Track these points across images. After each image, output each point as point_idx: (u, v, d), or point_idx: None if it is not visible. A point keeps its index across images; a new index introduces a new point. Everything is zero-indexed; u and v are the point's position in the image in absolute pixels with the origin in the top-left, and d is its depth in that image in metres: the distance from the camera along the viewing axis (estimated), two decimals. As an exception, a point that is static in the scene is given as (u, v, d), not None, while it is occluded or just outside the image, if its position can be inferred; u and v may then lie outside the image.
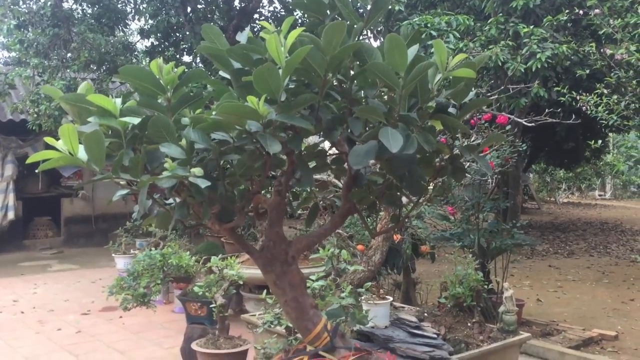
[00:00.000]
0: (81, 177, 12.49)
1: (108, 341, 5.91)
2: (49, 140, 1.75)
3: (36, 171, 1.77)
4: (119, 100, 1.94)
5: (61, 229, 12.41)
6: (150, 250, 5.44)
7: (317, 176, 5.38)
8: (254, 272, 5.74)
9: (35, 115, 9.31)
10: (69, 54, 10.19)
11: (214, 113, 1.81)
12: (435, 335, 3.80)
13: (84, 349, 5.68)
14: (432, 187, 2.51)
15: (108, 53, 10.08)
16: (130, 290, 4.92)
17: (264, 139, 1.74)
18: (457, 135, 2.24)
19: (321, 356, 2.12)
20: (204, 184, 1.74)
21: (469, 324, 4.24)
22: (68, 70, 9.94)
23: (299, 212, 6.81)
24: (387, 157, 2.03)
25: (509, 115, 4.44)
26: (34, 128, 9.37)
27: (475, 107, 2.23)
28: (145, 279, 4.93)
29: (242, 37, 2.05)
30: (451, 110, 2.15)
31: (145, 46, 11.89)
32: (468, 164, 5.01)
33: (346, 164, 2.29)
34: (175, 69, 1.98)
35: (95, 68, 10.29)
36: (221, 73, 2.19)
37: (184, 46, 11.26)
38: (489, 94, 4.01)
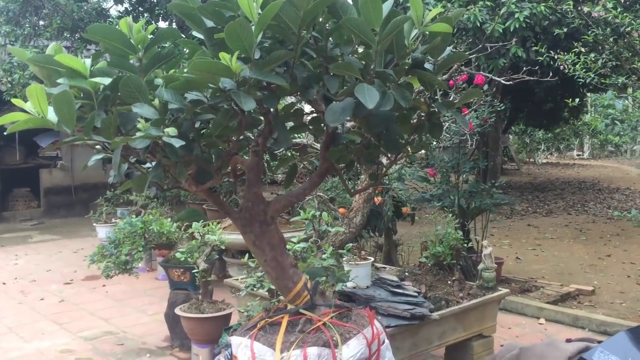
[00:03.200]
0: (59, 147, 12.33)
1: (92, 309, 5.93)
2: (16, 102, 1.72)
3: (5, 133, 1.73)
4: (88, 61, 1.89)
5: (41, 200, 12.29)
6: (132, 218, 5.41)
7: (296, 140, 5.36)
8: (235, 237, 5.75)
9: (9, 85, 9.11)
10: (40, 21, 9.94)
11: (186, 71, 1.78)
12: (416, 294, 3.85)
13: (67, 317, 5.69)
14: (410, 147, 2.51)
15: (81, 20, 9.84)
16: (112, 258, 4.90)
17: (238, 96, 1.72)
18: (434, 93, 2.23)
19: (302, 314, 2.14)
20: (178, 143, 1.71)
21: (449, 282, 4.30)
22: (40, 38, 9.70)
23: (280, 177, 6.78)
24: (364, 115, 2.02)
25: (486, 75, 4.44)
26: (8, 99, 9.17)
27: (452, 62, 2.22)
28: (127, 247, 4.91)
29: (214, -7, 2.00)
30: (428, 66, 2.14)
31: (119, 12, 11.63)
32: (447, 124, 5.02)
33: (323, 123, 2.28)
34: (146, 27, 1.93)
35: (68, 35, 10.06)
36: (194, 33, 2.14)
37: (158, 11, 11.02)
38: (467, 54, 3.99)
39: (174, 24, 11.24)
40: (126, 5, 11.47)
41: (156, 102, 1.80)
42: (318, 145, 4.50)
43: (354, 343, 2.03)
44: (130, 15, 10.86)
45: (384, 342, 2.14)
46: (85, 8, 10.24)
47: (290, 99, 2.57)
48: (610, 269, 6.96)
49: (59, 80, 1.83)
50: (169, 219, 5.47)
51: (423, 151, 7.94)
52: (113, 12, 11.91)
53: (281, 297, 3.51)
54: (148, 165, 2.23)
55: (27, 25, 9.66)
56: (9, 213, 11.92)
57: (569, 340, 1.73)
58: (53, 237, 10.11)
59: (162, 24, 11.69)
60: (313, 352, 1.98)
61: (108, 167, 12.02)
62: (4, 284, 7.00)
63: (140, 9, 11.35)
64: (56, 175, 12.26)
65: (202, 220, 5.29)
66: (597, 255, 7.65)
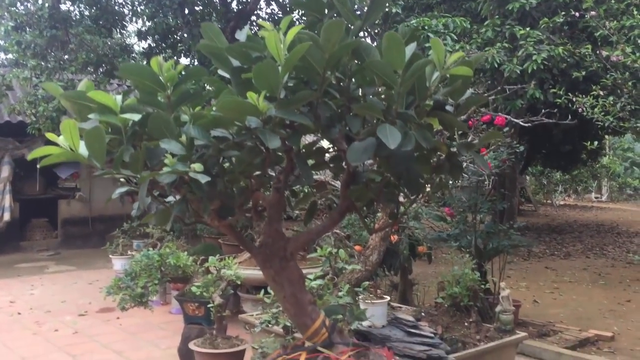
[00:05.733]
0: (78, 177, 12.49)
1: (105, 342, 5.92)
2: (50, 136, 1.77)
3: (38, 166, 1.77)
4: (119, 97, 1.95)
5: (58, 231, 12.40)
6: (148, 250, 5.45)
7: (316, 177, 5.40)
8: (251, 272, 5.76)
9: (34, 118, 9.30)
10: (66, 56, 10.18)
11: (214, 109, 1.82)
12: (432, 335, 3.82)
13: (81, 349, 5.68)
14: (429, 186, 2.53)
15: (106, 55, 10.08)
16: (128, 290, 4.93)
17: (264, 134, 1.76)
18: (454, 134, 2.26)
19: (319, 352, 2.13)
20: (204, 179, 1.75)
21: (465, 324, 4.26)
22: (65, 72, 9.93)
23: (296, 213, 6.82)
24: (385, 155, 2.05)
25: (505, 116, 4.47)
26: (33, 132, 9.35)
27: (472, 105, 2.25)
28: (143, 279, 4.94)
29: (242, 35, 2.06)
30: (448, 108, 2.17)
31: (143, 48, 11.91)
32: (465, 164, 5.04)
33: (344, 162, 2.31)
34: (175, 67, 1.99)
35: (92, 70, 10.29)
36: (220, 72, 2.20)
37: (181, 48, 11.26)
38: (485, 95, 4.03)
39: (195, 60, 11.48)
40: (149, 41, 11.74)
41: (183, 138, 1.85)
42: (335, 183, 4.53)
43: (371, 383, 2.02)
44: (154, 52, 11.14)
45: (401, 382, 2.13)
46: (109, 44, 10.50)
47: (310, 137, 2.61)
48: (630, 315, 6.83)
49: (90, 116, 1.89)
50: (185, 253, 5.50)
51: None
52: (137, 47, 12.20)
53: (296, 335, 3.50)
54: (170, 198, 2.27)
55: (52, 59, 9.91)
56: (26, 243, 12.03)
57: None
58: (69, 268, 10.16)
59: (184, 60, 11.94)
60: (330, 390, 1.97)
61: (126, 199, 12.13)
62: (19, 314, 7.03)
63: (163, 45, 11.61)
64: (74, 206, 12.40)
65: (218, 255, 5.31)
66: (616, 301, 7.52)
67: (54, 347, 5.75)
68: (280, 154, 2.17)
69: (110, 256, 8.27)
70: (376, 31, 8.96)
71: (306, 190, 3.05)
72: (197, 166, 1.77)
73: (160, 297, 7.33)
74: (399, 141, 1.84)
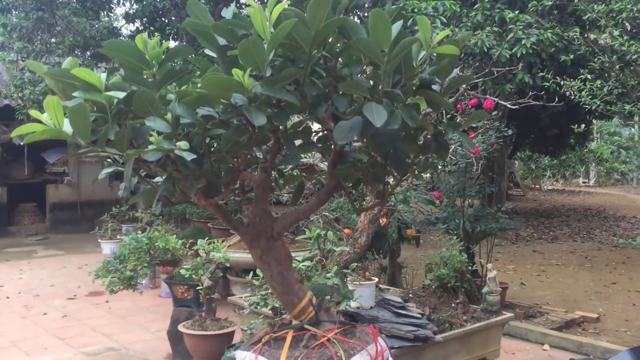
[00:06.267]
0: (66, 163, 12.41)
1: (94, 325, 5.92)
2: (33, 113, 1.75)
3: (22, 143, 1.76)
4: (104, 75, 1.94)
5: (46, 215, 12.34)
6: (137, 234, 5.44)
7: (303, 160, 5.39)
8: (240, 255, 5.77)
9: (21, 102, 9.21)
10: (53, 39, 10.08)
11: (199, 86, 1.82)
12: (419, 315, 3.85)
13: (70, 332, 5.68)
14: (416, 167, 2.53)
15: (93, 38, 9.99)
16: (117, 273, 4.92)
17: (249, 112, 1.75)
18: (441, 114, 2.26)
19: (306, 330, 2.15)
20: (189, 156, 1.75)
21: (453, 305, 4.30)
22: (52, 55, 9.83)
23: (285, 198, 6.81)
24: (371, 134, 2.06)
25: (493, 99, 4.48)
26: (22, 118, 9.26)
27: (459, 84, 2.26)
28: (132, 262, 4.93)
29: (228, 12, 2.05)
30: (435, 88, 2.18)
31: (131, 31, 11.80)
32: (453, 146, 5.05)
33: (331, 141, 2.32)
34: (161, 45, 1.98)
35: (79, 53, 10.20)
36: (206, 51, 2.19)
37: (169, 31, 11.17)
38: (474, 77, 4.04)
39: (183, 42, 11.39)
40: (137, 24, 11.63)
41: (169, 116, 1.84)
42: (324, 165, 4.53)
43: (357, 359, 2.04)
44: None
45: (387, 359, 2.15)
46: (96, 26, 10.39)
47: (298, 118, 2.61)
48: (616, 297, 6.91)
49: (75, 94, 1.87)
50: (174, 236, 5.50)
51: (429, 175, 7.97)
52: (124, 30, 12.08)
53: (285, 316, 3.51)
54: (158, 179, 2.26)
55: (38, 42, 9.80)
56: (14, 228, 11.96)
57: (572, 360, 1.74)
58: (58, 253, 10.13)
59: (173, 44, 11.85)
60: (317, 367, 1.99)
61: (115, 184, 12.10)
62: (8, 298, 7.01)
63: (151, 28, 11.51)
64: (62, 191, 12.33)
65: (207, 238, 5.31)
66: (602, 283, 7.61)
67: (43, 331, 5.74)
68: (267, 133, 2.17)
69: (99, 240, 8.25)
70: (365, 14, 8.92)
71: (294, 173, 3.05)
72: (183, 144, 1.76)
73: (150, 280, 7.34)
74: (385, 119, 1.84)
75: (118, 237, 8.05)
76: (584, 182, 24.31)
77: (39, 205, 12.39)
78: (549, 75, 6.23)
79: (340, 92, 2.09)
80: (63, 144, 11.63)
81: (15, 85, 9.32)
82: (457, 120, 4.63)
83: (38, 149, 11.86)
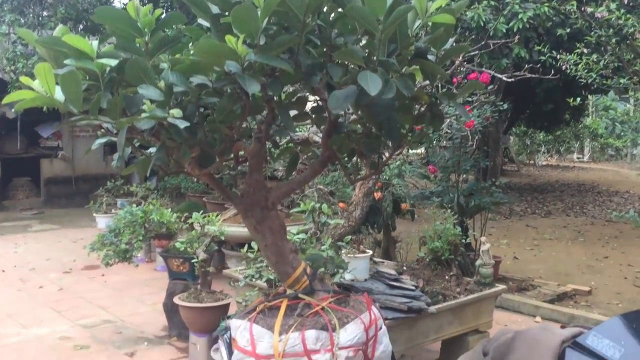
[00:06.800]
0: (60, 137, 12.34)
1: (90, 298, 5.95)
2: (24, 79, 1.73)
3: (13, 110, 1.75)
4: (95, 43, 1.92)
5: (41, 190, 12.31)
6: (132, 207, 5.44)
7: (298, 134, 5.38)
8: (235, 229, 5.79)
9: (13, 75, 9.12)
10: (45, 12, 9.95)
11: (192, 54, 1.80)
12: (413, 288, 3.87)
13: (66, 305, 5.71)
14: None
15: (85, 10, 9.86)
16: (112, 246, 4.93)
17: (243, 79, 1.74)
18: (436, 84, 2.26)
19: (300, 299, 2.16)
20: (182, 124, 1.74)
21: (446, 277, 4.32)
22: (44, 28, 9.71)
23: (281, 174, 6.80)
24: (366, 103, 2.05)
25: (489, 71, 4.46)
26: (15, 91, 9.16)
27: (454, 54, 2.25)
28: (127, 235, 4.94)
29: (221, -21, 2.02)
30: (430, 58, 2.16)
31: (123, 4, 11.64)
32: (448, 120, 5.05)
33: (326, 112, 2.31)
34: (153, 12, 1.95)
35: (72, 26, 10.06)
36: (200, 21, 2.16)
37: (163, 4, 11.04)
38: (470, 50, 4.02)
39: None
40: (130, -4, 11.49)
41: (162, 84, 1.83)
42: (319, 138, 4.52)
43: (351, 327, 2.06)
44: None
45: (381, 327, 2.17)
46: (89, -1, 10.26)
47: (293, 89, 2.59)
48: (608, 271, 6.98)
49: (66, 62, 1.85)
50: (169, 210, 5.50)
51: (423, 149, 7.96)
52: (117, 3, 11.93)
53: (280, 287, 3.53)
54: (152, 150, 2.26)
55: (31, 14, 9.67)
56: (9, 202, 11.94)
57: (563, 327, 1.77)
58: (53, 227, 10.13)
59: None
60: (311, 335, 2.01)
61: (109, 158, 12.06)
62: (3, 271, 7.02)
63: (145, 0, 11.37)
64: (57, 165, 12.28)
65: (201, 212, 5.32)
66: (594, 257, 7.67)
67: (39, 304, 5.77)
68: (261, 103, 2.16)
69: (94, 214, 8.25)
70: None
71: (287, 145, 3.04)
72: (176, 112, 1.75)
73: (145, 255, 7.36)
74: (380, 88, 1.83)
75: (113, 211, 8.04)
76: (578, 158, 24.37)
77: (33, 180, 12.35)
78: (545, 49, 6.20)
79: (335, 62, 2.08)
80: (57, 118, 11.56)
81: (7, 59, 9.21)
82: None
83: (31, 124, 11.78)
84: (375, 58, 1.99)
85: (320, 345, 2.00)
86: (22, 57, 9.03)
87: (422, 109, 2.28)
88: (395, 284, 3.89)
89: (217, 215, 5.02)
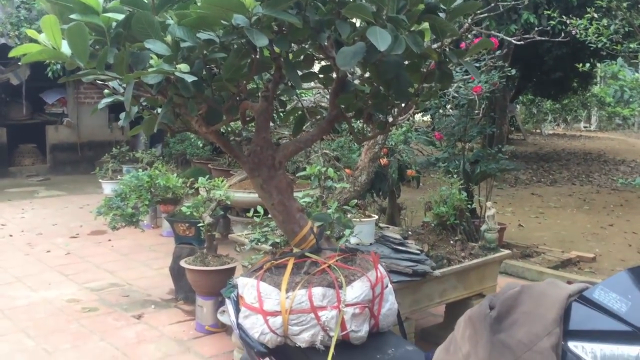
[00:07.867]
0: (65, 104, 12.32)
1: (97, 262, 6.01)
2: (30, 32, 1.72)
3: (20, 63, 1.73)
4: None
5: (47, 156, 12.33)
6: (138, 172, 5.45)
7: (305, 98, 5.35)
8: (241, 195, 5.81)
9: (17, 41, 9.06)
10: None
11: (199, 6, 1.77)
12: (418, 252, 3.89)
13: (73, 269, 5.78)
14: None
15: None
16: (118, 210, 4.96)
17: (251, 32, 1.71)
18: (445, 42, 2.22)
19: (307, 257, 2.17)
20: (190, 78, 1.72)
21: (451, 242, 4.34)
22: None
23: (285, 140, 6.77)
24: (375, 61, 2.02)
25: (498, 34, 4.40)
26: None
27: (465, 11, 2.20)
28: (133, 199, 4.96)
29: None
30: (440, 15, 2.13)
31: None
32: (456, 85, 5.00)
33: (334, 71, 2.28)
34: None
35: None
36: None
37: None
38: (479, 13, 3.96)
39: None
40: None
41: (168, 39, 1.81)
42: (326, 102, 4.49)
43: (357, 285, 2.07)
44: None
45: (387, 286, 2.18)
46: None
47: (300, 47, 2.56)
48: (612, 238, 7.00)
49: (72, 16, 1.82)
50: (175, 175, 5.51)
51: (429, 116, 7.89)
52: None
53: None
54: (158, 110, 2.25)
55: (34, -21, 9.56)
56: (15, 168, 11.97)
57: (569, 283, 1.77)
58: (59, 193, 10.18)
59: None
60: (318, 292, 2.02)
61: (114, 125, 12.04)
62: (11, 236, 7.09)
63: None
64: (62, 132, 12.28)
65: (207, 177, 5.32)
66: (599, 225, 7.68)
67: (46, 267, 5.83)
68: (268, 60, 2.14)
69: (100, 180, 8.28)
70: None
71: (295, 102, 3.02)
72: (183, 66, 1.74)
73: (151, 220, 7.40)
74: (389, 44, 1.80)
75: (119, 177, 8.06)
76: (585, 127, 24.21)
77: (38, 146, 12.37)
78: (555, 14, 6.11)
79: (344, 19, 2.04)
80: (61, 84, 11.51)
81: (11, 23, 9.15)
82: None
83: (36, 90, 11.75)
84: (384, 14, 1.96)
85: (327, 302, 2.02)
86: (25, 21, 8.96)
87: (431, 67, 2.26)
88: (400, 248, 3.91)
89: (222, 181, 5.03)
